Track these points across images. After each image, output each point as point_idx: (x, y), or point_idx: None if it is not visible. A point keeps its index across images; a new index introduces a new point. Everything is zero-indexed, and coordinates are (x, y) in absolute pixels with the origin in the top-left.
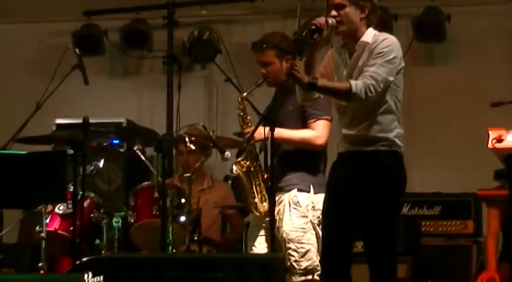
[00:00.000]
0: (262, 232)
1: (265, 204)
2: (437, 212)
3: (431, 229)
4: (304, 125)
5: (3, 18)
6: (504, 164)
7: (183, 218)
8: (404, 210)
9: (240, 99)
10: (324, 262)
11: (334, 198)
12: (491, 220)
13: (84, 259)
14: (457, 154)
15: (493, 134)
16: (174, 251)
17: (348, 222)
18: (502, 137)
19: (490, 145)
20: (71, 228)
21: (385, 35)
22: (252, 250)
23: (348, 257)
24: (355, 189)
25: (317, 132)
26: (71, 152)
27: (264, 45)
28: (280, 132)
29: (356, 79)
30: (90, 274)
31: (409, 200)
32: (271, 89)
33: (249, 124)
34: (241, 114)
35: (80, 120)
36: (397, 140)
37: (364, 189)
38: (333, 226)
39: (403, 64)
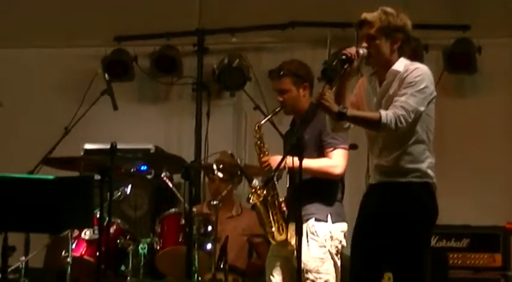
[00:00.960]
0: (279, 263)
1: (283, 233)
2: (465, 245)
3: (459, 262)
4: (320, 154)
5: (34, 42)
6: None
7: (209, 246)
8: (432, 242)
9: (256, 128)
10: None
11: (364, 229)
12: None
13: None
14: (486, 186)
15: None
16: (200, 278)
17: (377, 254)
18: None
19: None
20: (97, 253)
21: (417, 64)
22: (270, 280)
23: None
24: (385, 221)
25: (335, 161)
26: (98, 177)
27: (281, 73)
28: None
29: (385, 108)
30: None
31: (437, 232)
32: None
33: (266, 152)
34: (258, 143)
35: (108, 146)
36: (429, 171)
37: (395, 221)
38: (361, 257)
39: (435, 94)
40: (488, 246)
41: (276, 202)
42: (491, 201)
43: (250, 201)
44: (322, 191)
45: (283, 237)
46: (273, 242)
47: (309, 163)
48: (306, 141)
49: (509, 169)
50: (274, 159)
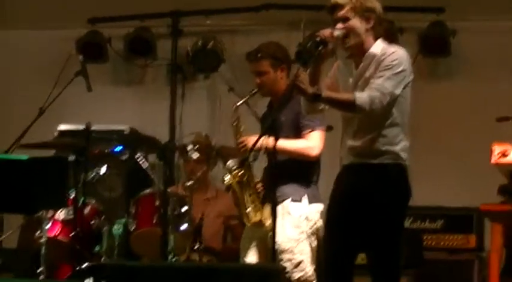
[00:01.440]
0: (254, 244)
1: (258, 214)
2: (439, 226)
3: (434, 243)
4: (297, 135)
5: (7, 25)
6: (508, 179)
7: (184, 227)
8: (407, 223)
9: (234, 109)
10: (327, 275)
11: (337, 210)
12: (494, 235)
13: (84, 265)
14: (460, 168)
15: (497, 149)
16: (175, 259)
17: (352, 234)
18: (507, 152)
19: (494, 160)
20: (72, 234)
21: (395, 47)
22: (245, 261)
23: (351, 270)
24: (359, 202)
25: (311, 142)
26: (73, 158)
27: (259, 55)
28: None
29: (361, 90)
30: (91, 280)
31: (412, 213)
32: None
33: (243, 134)
34: (235, 123)
35: (83, 127)
36: (402, 154)
37: (368, 202)
38: (336, 238)
39: (411, 77)
40: (462, 227)
41: (252, 183)
42: (465, 183)
43: (226, 181)
44: (298, 172)
45: (258, 218)
46: (247, 224)
47: (286, 144)
48: (283, 122)
49: (483, 151)
50: (251, 140)
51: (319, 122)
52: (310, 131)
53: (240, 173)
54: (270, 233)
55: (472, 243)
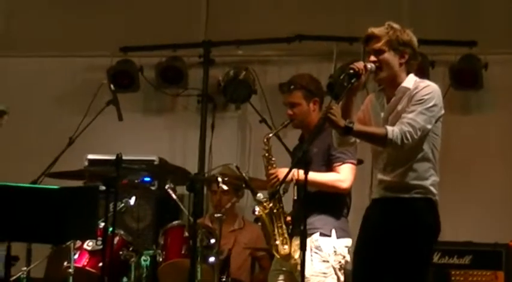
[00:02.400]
0: (282, 277)
1: (286, 247)
2: (467, 262)
3: (462, 279)
4: (328, 168)
5: (40, 52)
6: None
7: (212, 259)
8: (435, 258)
9: (265, 140)
10: None
11: (366, 244)
12: None
13: None
14: (490, 203)
15: None
16: None
17: (379, 269)
18: None
19: None
20: (99, 265)
21: (427, 82)
22: None
23: None
24: (388, 236)
25: (342, 175)
26: (102, 188)
27: (292, 87)
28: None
29: (392, 124)
30: None
31: (440, 249)
32: (299, 131)
33: (274, 165)
34: (266, 155)
35: (113, 157)
36: (432, 188)
37: (397, 236)
38: (363, 273)
39: (442, 112)
40: (490, 263)
41: (281, 215)
42: (495, 218)
43: (256, 213)
44: (328, 205)
45: (287, 250)
46: (276, 256)
47: (317, 176)
48: (314, 154)
49: None
50: (282, 172)
51: (351, 154)
52: (341, 164)
53: (270, 205)
54: (299, 266)
55: (501, 280)
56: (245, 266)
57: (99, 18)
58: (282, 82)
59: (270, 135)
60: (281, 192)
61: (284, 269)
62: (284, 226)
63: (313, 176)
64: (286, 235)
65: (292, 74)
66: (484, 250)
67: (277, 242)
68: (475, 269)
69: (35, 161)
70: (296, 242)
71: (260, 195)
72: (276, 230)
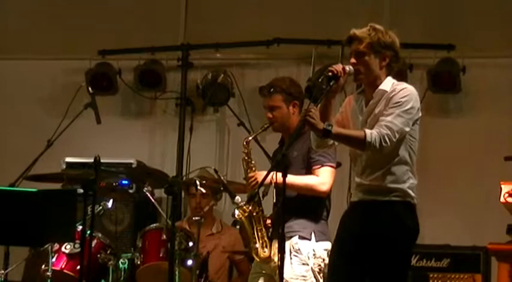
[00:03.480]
0: (262, 280)
1: (266, 250)
2: (445, 265)
3: None
4: (308, 171)
5: (17, 54)
6: None
7: (190, 262)
8: (413, 261)
9: (245, 143)
10: None
11: (343, 247)
12: (501, 275)
13: None
14: (468, 207)
15: (505, 188)
16: None
17: (357, 271)
18: None
19: (502, 199)
20: (77, 267)
21: (404, 84)
22: None
23: None
24: (366, 239)
25: (321, 178)
26: (80, 191)
27: (272, 90)
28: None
29: (371, 127)
30: None
31: (418, 252)
32: (278, 134)
33: (253, 168)
34: (246, 158)
35: (91, 160)
36: (410, 191)
37: (375, 239)
38: (340, 275)
39: (420, 114)
40: (469, 266)
41: (261, 218)
42: (473, 221)
43: (236, 216)
44: (307, 208)
45: (266, 254)
46: (256, 259)
47: (296, 180)
48: (294, 158)
49: (491, 190)
50: (261, 175)
51: (330, 157)
52: (320, 167)
53: (249, 208)
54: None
55: None
56: (223, 270)
57: (78, 21)
58: (262, 85)
59: (250, 138)
60: (260, 195)
61: (264, 272)
62: (264, 229)
63: (292, 179)
64: (266, 238)
65: (271, 77)
66: (462, 253)
67: (257, 245)
68: (453, 272)
69: (13, 164)
70: (276, 245)
71: (238, 198)
72: (255, 233)
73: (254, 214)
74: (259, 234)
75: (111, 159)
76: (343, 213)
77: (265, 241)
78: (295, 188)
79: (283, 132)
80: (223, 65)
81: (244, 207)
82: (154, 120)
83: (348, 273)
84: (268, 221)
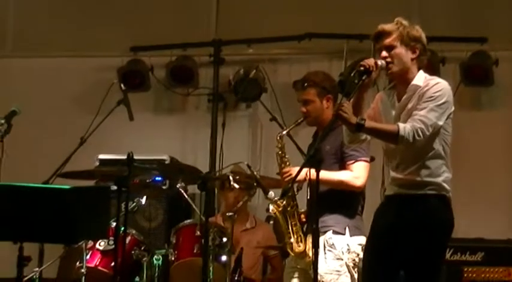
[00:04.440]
0: (297, 274)
1: (301, 245)
2: (480, 258)
3: (474, 275)
4: (341, 165)
5: (50, 52)
6: None
7: (224, 258)
8: (447, 255)
9: (278, 138)
10: None
11: (379, 240)
12: None
13: None
14: (502, 200)
15: None
16: None
17: (392, 265)
18: None
19: None
20: (112, 264)
21: (437, 79)
22: None
23: None
24: (401, 232)
25: (355, 173)
26: (114, 187)
27: (306, 84)
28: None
29: (404, 121)
30: None
31: (452, 245)
32: (312, 128)
33: (287, 163)
34: (280, 152)
35: (124, 156)
36: (445, 185)
37: (410, 232)
38: (375, 269)
39: (453, 109)
40: (503, 260)
41: (296, 213)
42: (507, 215)
43: (270, 211)
44: (341, 203)
45: (301, 248)
46: (291, 254)
47: (330, 175)
48: (326, 152)
49: None
50: (295, 170)
51: (364, 152)
52: (354, 162)
53: (283, 203)
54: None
55: None
56: (257, 265)
57: (110, 18)
58: (296, 80)
59: (284, 133)
60: (295, 190)
61: (299, 266)
62: (298, 224)
63: (326, 174)
64: (300, 233)
65: (303, 72)
66: (496, 246)
67: (292, 240)
68: (487, 265)
69: (46, 161)
70: (310, 239)
71: (271, 193)
72: (290, 228)
73: (288, 209)
74: (294, 229)
75: (144, 156)
76: (378, 207)
77: (300, 236)
78: (330, 183)
79: (317, 126)
80: (255, 61)
81: (279, 202)
82: (186, 117)
83: (383, 267)
84: (303, 216)
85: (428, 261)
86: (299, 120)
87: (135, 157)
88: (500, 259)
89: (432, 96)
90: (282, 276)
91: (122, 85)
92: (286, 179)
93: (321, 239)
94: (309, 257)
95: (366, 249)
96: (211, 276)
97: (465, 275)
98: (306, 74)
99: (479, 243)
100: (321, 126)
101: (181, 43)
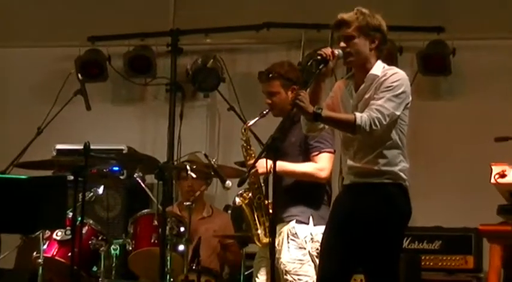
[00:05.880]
0: (265, 263)
1: (268, 235)
2: (437, 247)
3: (432, 264)
4: (307, 157)
5: (6, 42)
6: (507, 199)
7: (181, 247)
8: (405, 244)
9: (243, 130)
10: None
11: (336, 230)
12: (492, 256)
13: None
14: (459, 188)
15: (496, 169)
16: (173, 280)
17: (349, 254)
18: (505, 173)
19: (492, 180)
20: (69, 254)
21: (395, 69)
22: (255, 281)
23: None
24: (358, 221)
25: (320, 165)
26: (71, 177)
27: (270, 75)
28: (283, 165)
29: (361, 111)
30: None
31: (410, 234)
32: (276, 120)
33: (253, 155)
34: (245, 145)
35: (81, 146)
36: (401, 174)
37: (368, 221)
38: (333, 258)
39: (410, 99)
40: (460, 248)
41: (262, 204)
42: (464, 203)
43: (236, 203)
44: (307, 193)
45: (268, 239)
46: (258, 244)
47: (295, 167)
48: (292, 144)
49: (482, 171)
50: (262, 164)
51: (328, 143)
52: (319, 153)
53: (250, 195)
54: (278, 254)
55: (470, 264)
56: (214, 254)
57: (67, 8)
58: (260, 71)
59: (249, 124)
60: (261, 181)
61: (267, 256)
62: (265, 215)
63: (291, 167)
64: (267, 224)
65: (261, 62)
66: (453, 235)
67: (259, 231)
68: (445, 254)
69: (3, 151)
70: (278, 230)
71: (229, 182)
72: (257, 220)
73: (255, 201)
74: (261, 220)
75: (102, 146)
76: (336, 196)
77: (267, 227)
78: (295, 175)
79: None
80: (213, 50)
81: (245, 194)
82: (144, 107)
83: (340, 255)
84: (270, 207)
85: (386, 250)
86: (264, 112)
87: (93, 147)
88: (458, 247)
89: (390, 86)
90: (239, 264)
91: (79, 75)
92: (253, 171)
93: (285, 229)
94: (276, 247)
95: (324, 238)
96: (169, 266)
97: (423, 263)
98: (271, 65)
99: (437, 232)
100: None
101: (139, 33)
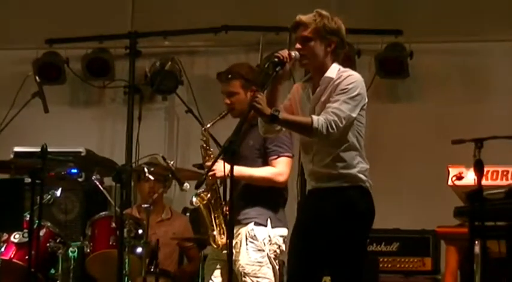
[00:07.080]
0: (219, 265)
1: (224, 237)
2: (395, 249)
3: (389, 266)
4: (265, 160)
5: None
6: (464, 201)
7: (139, 249)
8: None
9: (203, 131)
10: None
11: (300, 234)
12: (449, 258)
13: None
14: (417, 191)
15: (453, 172)
16: None
17: (315, 258)
18: (462, 175)
19: (450, 182)
20: (26, 257)
21: (350, 71)
22: None
23: None
24: (321, 226)
25: (278, 169)
26: (28, 180)
27: (230, 76)
28: (241, 170)
29: (318, 114)
30: None
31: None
32: (236, 121)
33: (212, 156)
34: (204, 146)
35: (39, 149)
36: (361, 175)
37: (330, 226)
38: (299, 263)
39: (366, 100)
40: (418, 250)
41: (219, 206)
42: (422, 205)
43: (194, 203)
44: (264, 195)
45: (223, 241)
46: (213, 246)
47: (253, 172)
48: (250, 147)
49: (440, 173)
50: (220, 167)
51: (287, 148)
52: (277, 157)
53: (208, 196)
54: (234, 256)
55: (428, 266)
56: (173, 257)
57: (24, 10)
58: (220, 71)
59: (208, 125)
60: (218, 183)
61: (221, 259)
62: (221, 217)
63: (249, 172)
64: (223, 225)
65: (220, 65)
66: (411, 237)
67: (215, 233)
68: (403, 255)
69: None
70: (233, 231)
71: (187, 185)
72: (213, 221)
73: (212, 202)
74: (217, 221)
75: (60, 148)
76: (299, 202)
77: (223, 228)
78: (253, 180)
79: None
80: (171, 53)
81: (202, 194)
82: (103, 109)
83: (306, 259)
84: (226, 209)
85: (350, 253)
86: (223, 113)
87: (50, 149)
88: (415, 249)
89: (345, 89)
90: (198, 267)
91: (37, 77)
92: (211, 173)
93: (243, 231)
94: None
95: (291, 242)
96: (127, 268)
97: (381, 265)
98: (231, 66)
99: (395, 234)
100: None
101: (97, 35)
